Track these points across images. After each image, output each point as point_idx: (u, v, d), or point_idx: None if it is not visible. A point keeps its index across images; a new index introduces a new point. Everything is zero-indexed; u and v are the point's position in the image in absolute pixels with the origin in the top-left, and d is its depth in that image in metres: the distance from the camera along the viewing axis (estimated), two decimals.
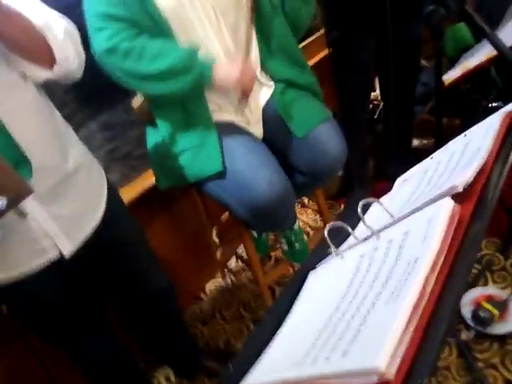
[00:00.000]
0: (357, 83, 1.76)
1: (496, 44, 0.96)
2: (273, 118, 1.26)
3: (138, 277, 1.15)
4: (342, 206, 1.98)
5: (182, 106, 1.17)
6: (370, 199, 0.63)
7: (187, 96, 1.15)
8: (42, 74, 0.82)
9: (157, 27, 1.07)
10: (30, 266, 0.89)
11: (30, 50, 0.78)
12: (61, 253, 0.91)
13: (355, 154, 1.78)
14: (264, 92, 1.27)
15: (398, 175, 0.91)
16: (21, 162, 0.80)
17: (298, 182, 1.30)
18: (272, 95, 1.27)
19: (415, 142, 2.12)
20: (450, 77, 1.49)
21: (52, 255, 0.90)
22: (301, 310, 0.61)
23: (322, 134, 1.25)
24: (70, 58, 0.84)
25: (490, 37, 0.96)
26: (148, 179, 1.50)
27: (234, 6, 1.12)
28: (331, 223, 0.66)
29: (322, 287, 0.62)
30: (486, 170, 0.55)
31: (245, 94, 1.17)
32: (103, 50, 1.04)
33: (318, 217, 1.94)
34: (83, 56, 0.90)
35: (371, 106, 2.30)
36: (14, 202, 0.59)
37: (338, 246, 0.69)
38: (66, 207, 0.92)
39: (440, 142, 1.34)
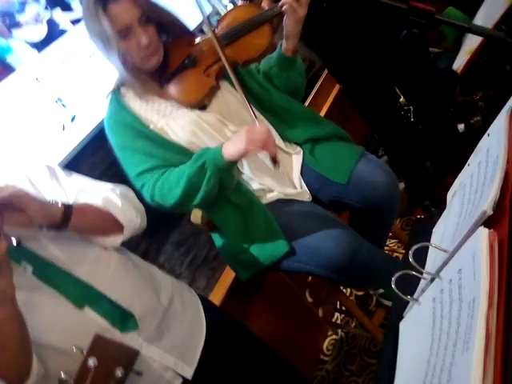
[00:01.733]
0: (379, 104, 1.79)
1: (480, 33, 0.98)
2: (314, 178, 1.34)
3: (254, 369, 1.20)
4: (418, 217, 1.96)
5: (231, 204, 1.26)
6: (421, 244, 0.66)
7: (224, 187, 1.19)
8: (117, 240, 0.97)
9: (181, 155, 1.20)
10: None
11: (102, 228, 0.94)
12: (184, 378, 1.01)
13: (408, 164, 1.78)
14: (296, 160, 1.35)
15: (458, 164, 0.92)
16: (126, 317, 0.93)
17: (370, 224, 1.33)
18: (303, 159, 1.35)
19: (461, 127, 2.07)
20: (459, 64, 1.51)
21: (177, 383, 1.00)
22: (403, 366, 0.64)
23: (363, 170, 1.30)
24: (133, 218, 0.98)
25: (472, 30, 0.98)
26: (231, 273, 1.61)
27: (239, 108, 1.25)
28: (396, 274, 0.70)
29: (413, 338, 0.65)
30: (509, 180, 0.57)
31: (272, 154, 1.10)
32: (150, 200, 1.18)
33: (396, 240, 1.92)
34: (143, 209, 1.04)
35: (402, 112, 2.30)
36: (129, 368, 0.70)
37: (414, 288, 0.73)
38: (175, 337, 1.02)
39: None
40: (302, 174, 1.35)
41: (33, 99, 1.33)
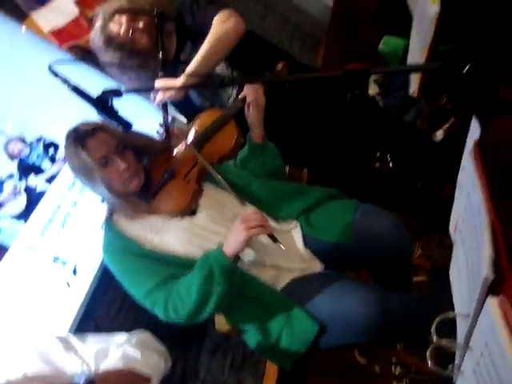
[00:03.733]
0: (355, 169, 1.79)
1: (417, 70, 1.01)
2: (318, 246, 1.32)
3: None
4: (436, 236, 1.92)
5: (247, 300, 1.23)
6: (443, 316, 0.64)
7: (233, 285, 1.17)
8: None
9: (181, 266, 1.19)
10: None
11: None
12: None
13: (403, 198, 1.77)
14: (296, 234, 1.34)
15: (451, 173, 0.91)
16: None
17: (390, 270, 1.30)
18: (302, 231, 1.35)
19: (439, 134, 2.08)
20: (415, 87, 1.53)
21: None
22: None
23: (364, 222, 1.28)
24: (157, 363, 0.97)
25: (410, 69, 1.02)
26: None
27: (226, 204, 1.27)
28: (429, 349, 0.67)
29: None
30: (497, 234, 0.57)
31: (270, 232, 1.13)
32: (164, 317, 1.16)
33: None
34: (163, 349, 1.03)
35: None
36: None
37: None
38: None
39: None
40: (306, 245, 1.34)
41: (31, 268, 1.36)
